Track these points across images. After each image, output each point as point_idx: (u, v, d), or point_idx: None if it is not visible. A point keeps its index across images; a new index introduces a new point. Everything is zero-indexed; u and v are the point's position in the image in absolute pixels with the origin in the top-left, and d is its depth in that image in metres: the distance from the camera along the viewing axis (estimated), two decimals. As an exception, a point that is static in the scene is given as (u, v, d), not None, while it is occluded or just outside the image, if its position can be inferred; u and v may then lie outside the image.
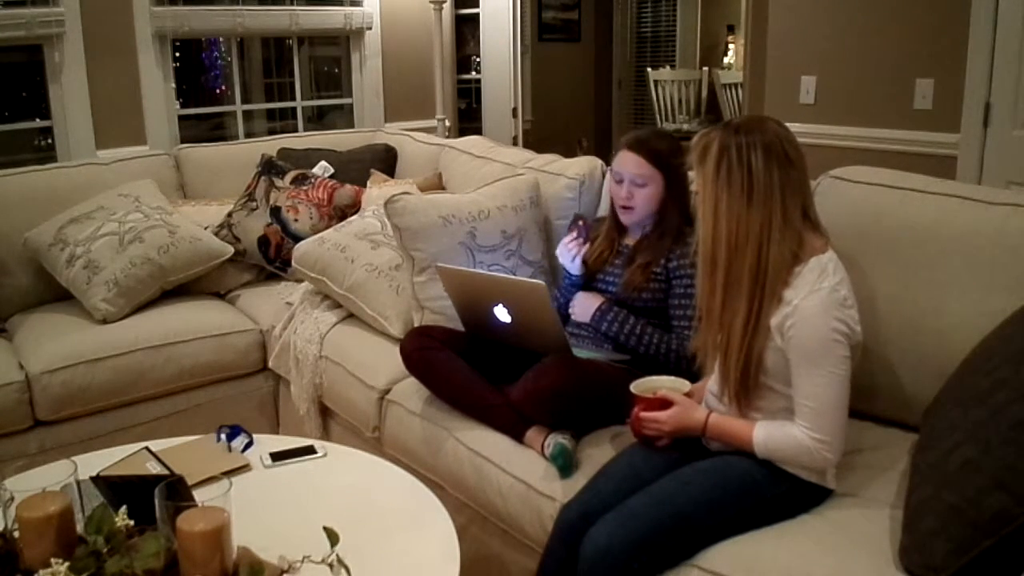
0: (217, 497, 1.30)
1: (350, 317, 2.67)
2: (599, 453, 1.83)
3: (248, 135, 4.08)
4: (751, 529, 1.51)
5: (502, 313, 2.00)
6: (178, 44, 3.93)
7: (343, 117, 4.47)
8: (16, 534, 1.29)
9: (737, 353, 1.54)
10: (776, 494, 1.54)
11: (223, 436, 1.90)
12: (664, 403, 1.68)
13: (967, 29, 3.00)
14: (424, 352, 2.10)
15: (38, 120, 3.54)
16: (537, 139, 5.66)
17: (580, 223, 2.18)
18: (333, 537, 1.32)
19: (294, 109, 4.32)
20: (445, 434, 2.08)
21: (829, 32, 3.48)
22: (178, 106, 3.83)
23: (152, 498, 1.33)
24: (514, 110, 4.96)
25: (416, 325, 2.34)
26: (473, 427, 2.03)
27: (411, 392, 2.22)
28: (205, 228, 3.03)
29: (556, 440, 1.83)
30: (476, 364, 2.07)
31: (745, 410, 1.60)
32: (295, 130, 4.25)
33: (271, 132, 4.25)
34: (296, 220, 3.08)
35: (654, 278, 2.06)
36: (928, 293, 1.77)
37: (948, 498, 1.30)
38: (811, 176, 1.66)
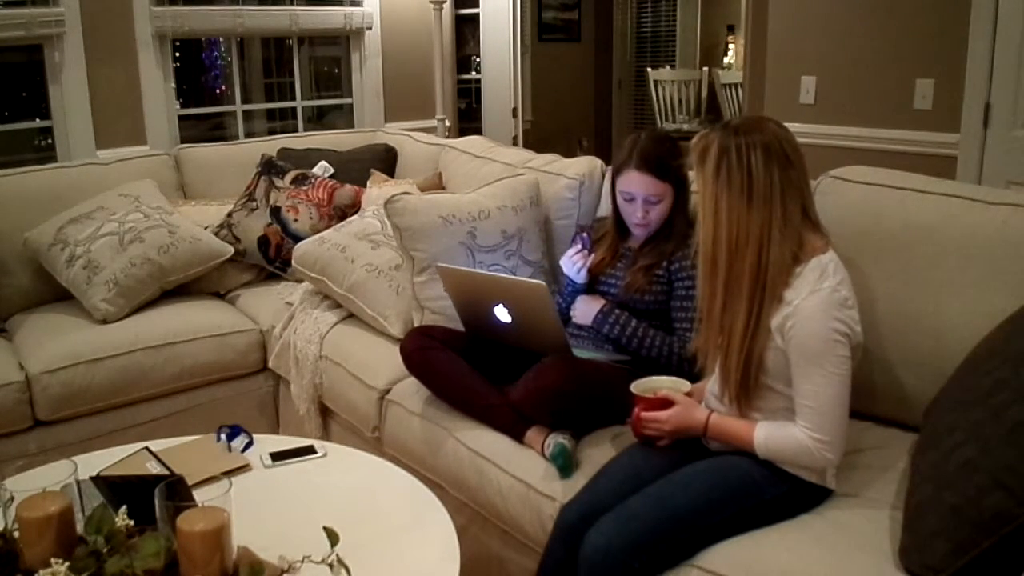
0: (217, 497, 1.30)
1: (350, 317, 2.67)
2: (599, 453, 1.83)
3: (248, 135, 4.08)
4: (751, 529, 1.51)
5: (502, 313, 2.00)
6: (178, 44, 3.93)
7: (343, 117, 4.47)
8: (16, 534, 1.29)
9: (738, 354, 1.55)
10: (776, 494, 1.54)
11: (223, 436, 1.90)
12: (665, 403, 1.68)
13: (967, 29, 3.00)
14: (424, 352, 2.10)
15: (38, 120, 3.54)
16: (537, 139, 5.66)
17: (584, 235, 2.18)
18: (333, 537, 1.32)
19: (294, 109, 4.32)
20: (445, 434, 2.08)
21: (829, 32, 3.48)
22: (178, 106, 3.83)
23: (152, 498, 1.33)
24: (514, 110, 4.96)
25: (416, 325, 2.34)
26: (473, 427, 2.03)
27: (411, 392, 2.22)
28: (205, 228, 3.03)
29: (556, 440, 1.83)
30: (476, 364, 2.07)
31: (745, 411, 1.60)
32: (295, 130, 4.25)
33: (271, 132, 4.25)
34: (296, 220, 3.08)
35: (656, 280, 2.05)
36: (928, 293, 1.77)
37: (948, 498, 1.30)
38: (811, 176, 1.66)
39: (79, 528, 1.33)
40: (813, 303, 1.49)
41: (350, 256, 2.61)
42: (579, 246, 2.17)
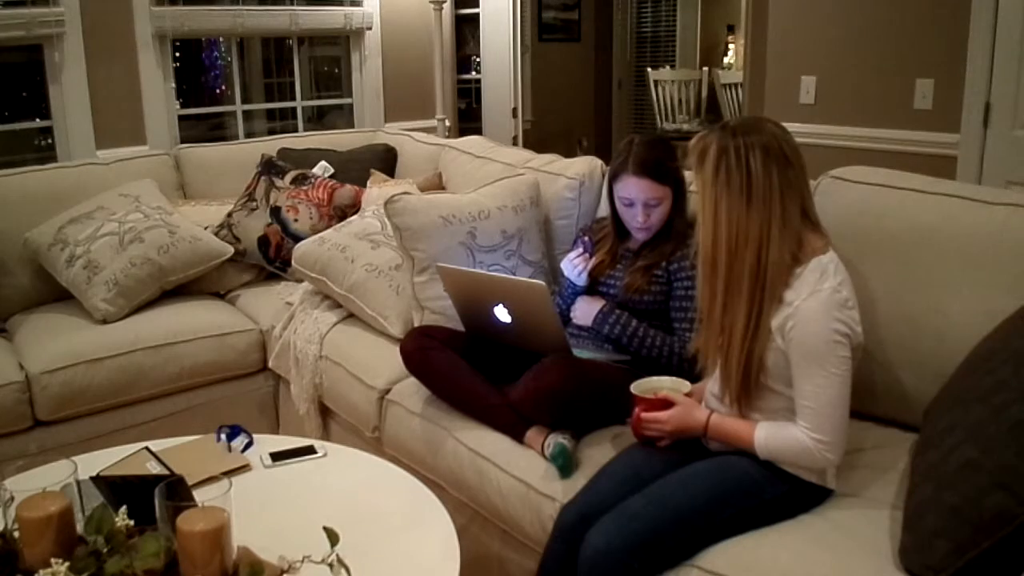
0: (217, 497, 1.30)
1: (350, 317, 2.67)
2: (599, 453, 1.83)
3: (248, 135, 4.08)
4: (751, 529, 1.51)
5: (502, 313, 2.00)
6: (178, 44, 3.93)
7: (343, 117, 4.47)
8: (16, 534, 1.29)
9: (738, 355, 1.54)
10: (776, 494, 1.54)
11: (223, 436, 1.90)
12: (665, 403, 1.68)
13: (967, 29, 3.00)
14: (424, 352, 2.10)
15: (38, 120, 3.54)
16: (537, 139, 5.66)
17: (585, 239, 2.18)
18: (333, 537, 1.32)
19: (294, 109, 4.32)
20: (445, 434, 2.08)
21: (829, 32, 3.48)
22: (178, 106, 3.83)
23: (152, 498, 1.33)
24: (514, 110, 4.96)
25: (416, 325, 2.34)
26: (473, 427, 2.03)
27: (411, 392, 2.22)
28: (205, 228, 3.03)
29: (556, 440, 1.83)
30: (476, 364, 2.07)
31: (746, 411, 1.60)
32: (295, 130, 4.25)
33: (271, 132, 4.25)
34: (296, 220, 3.07)
35: (655, 280, 2.05)
36: (928, 293, 1.77)
37: (948, 498, 1.30)
38: (811, 176, 1.66)
39: (79, 528, 1.33)
40: (814, 303, 1.49)
41: (350, 256, 2.61)
42: (580, 249, 2.17)
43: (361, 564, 1.35)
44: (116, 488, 1.50)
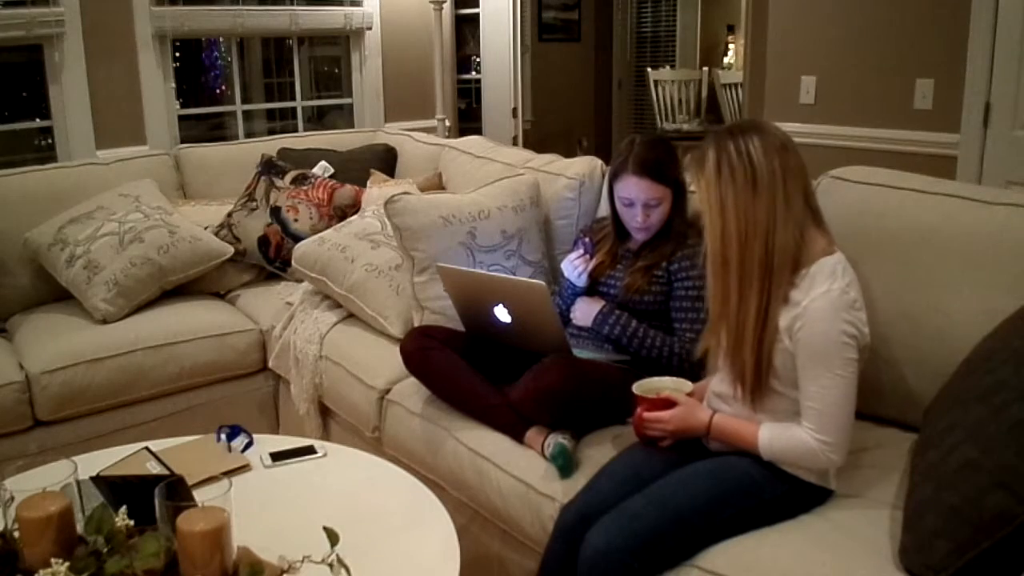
0: (217, 497, 1.30)
1: (350, 317, 2.67)
2: (599, 453, 1.83)
3: (248, 135, 4.08)
4: (751, 529, 1.51)
5: (502, 313, 2.01)
6: (178, 44, 3.93)
7: (343, 117, 4.47)
8: (16, 534, 1.29)
9: (751, 346, 1.54)
10: (776, 495, 1.54)
11: (223, 436, 1.90)
12: (667, 403, 1.68)
13: (967, 29, 3.00)
14: (424, 352, 2.10)
15: (38, 120, 3.54)
16: (537, 139, 5.66)
17: (586, 240, 2.18)
18: (333, 537, 1.32)
19: (294, 109, 4.32)
20: (445, 434, 2.08)
21: (829, 32, 3.48)
22: (178, 106, 3.83)
23: (152, 498, 1.33)
24: (514, 110, 4.96)
25: (416, 325, 2.34)
26: (473, 427, 2.03)
27: (411, 392, 2.22)
28: (205, 228, 3.03)
29: (556, 440, 1.83)
30: (476, 364, 2.07)
31: (758, 405, 1.59)
32: (295, 130, 4.25)
33: (271, 132, 4.25)
34: (296, 220, 3.07)
35: (655, 280, 2.05)
36: (928, 293, 1.77)
37: (948, 498, 1.30)
38: (811, 176, 1.67)
39: (79, 528, 1.33)
40: (822, 304, 1.49)
41: (350, 256, 2.61)
42: (581, 250, 2.17)
43: (361, 564, 1.35)
44: (116, 488, 1.50)
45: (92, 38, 3.39)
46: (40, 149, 3.60)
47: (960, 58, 3.04)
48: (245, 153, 3.43)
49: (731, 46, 7.50)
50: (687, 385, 1.75)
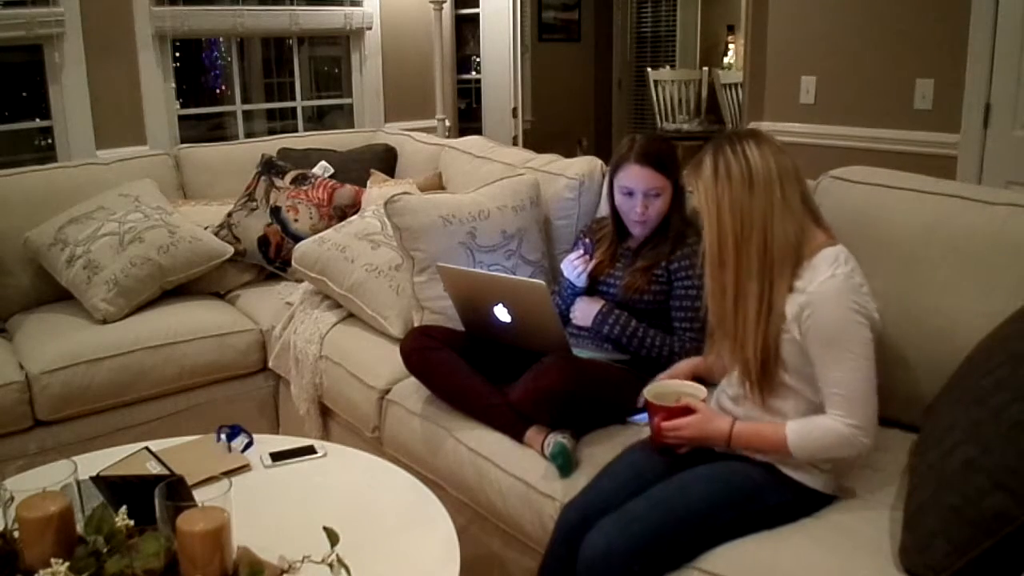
0: (217, 497, 1.30)
1: (350, 317, 2.67)
2: (599, 453, 1.83)
3: (248, 135, 4.08)
4: (752, 532, 1.51)
5: (502, 313, 2.01)
6: (178, 44, 3.93)
7: (343, 117, 4.47)
8: (16, 534, 1.29)
9: (754, 339, 1.53)
10: (778, 500, 1.53)
11: (223, 436, 1.90)
12: (685, 411, 1.63)
13: (967, 29, 3.00)
14: (424, 352, 2.10)
15: (38, 120, 3.54)
16: (537, 139, 5.65)
17: (586, 240, 2.18)
18: (333, 537, 1.32)
19: (294, 109, 4.32)
20: (445, 434, 2.08)
21: (829, 32, 3.48)
22: (178, 106, 3.83)
23: (152, 498, 1.33)
24: (514, 110, 4.96)
25: (416, 325, 2.34)
26: (473, 427, 2.03)
27: (411, 392, 2.22)
28: (205, 228, 3.03)
29: (556, 440, 1.83)
30: (476, 364, 2.07)
31: (768, 400, 1.58)
32: (295, 130, 4.25)
33: (271, 132, 4.25)
34: (296, 220, 3.08)
35: (655, 280, 2.06)
36: (928, 293, 1.77)
37: (948, 498, 1.30)
38: (811, 176, 1.67)
39: (79, 528, 1.33)
40: (828, 288, 1.49)
41: (350, 256, 2.61)
42: (581, 250, 2.17)
43: (361, 564, 1.35)
44: (116, 488, 1.50)
45: (92, 38, 3.39)
46: (40, 149, 3.60)
47: (960, 58, 3.04)
48: (245, 153, 3.43)
49: (731, 46, 7.50)
50: (702, 391, 1.70)
